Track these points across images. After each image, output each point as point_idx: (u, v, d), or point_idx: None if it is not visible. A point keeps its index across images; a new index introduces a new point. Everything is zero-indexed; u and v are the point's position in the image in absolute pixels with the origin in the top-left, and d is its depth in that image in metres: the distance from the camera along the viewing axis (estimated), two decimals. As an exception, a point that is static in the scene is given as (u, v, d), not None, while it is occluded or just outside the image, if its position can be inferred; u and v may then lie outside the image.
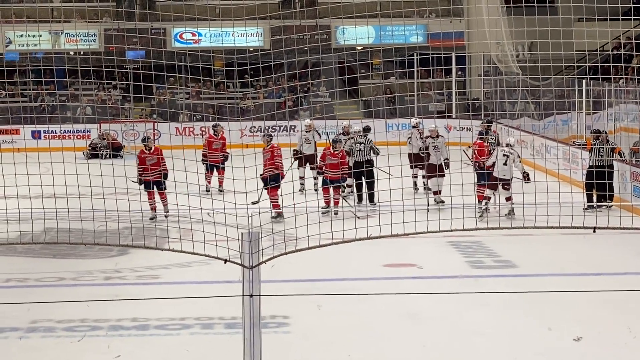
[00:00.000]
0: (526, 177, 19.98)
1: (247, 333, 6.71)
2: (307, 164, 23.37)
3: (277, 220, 18.59)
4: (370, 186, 21.29)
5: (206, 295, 12.46)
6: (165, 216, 19.57)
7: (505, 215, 20.03)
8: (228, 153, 23.23)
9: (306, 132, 23.99)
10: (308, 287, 14.28)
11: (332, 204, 20.11)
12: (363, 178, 21.39)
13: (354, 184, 21.60)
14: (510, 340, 12.15)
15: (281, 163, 20.43)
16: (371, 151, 21.70)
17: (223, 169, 23.02)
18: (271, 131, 23.03)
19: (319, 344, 12.05)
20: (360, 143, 21.85)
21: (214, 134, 24.25)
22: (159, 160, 19.90)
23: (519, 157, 21.05)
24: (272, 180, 19.71)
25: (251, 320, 6.71)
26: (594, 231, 16.31)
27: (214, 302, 11.98)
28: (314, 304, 13.03)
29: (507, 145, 20.90)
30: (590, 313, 12.93)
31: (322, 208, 19.47)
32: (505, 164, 20.32)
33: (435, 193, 21.04)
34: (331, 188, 20.22)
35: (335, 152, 20.64)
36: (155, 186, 19.92)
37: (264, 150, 20.45)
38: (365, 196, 21.17)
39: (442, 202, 20.25)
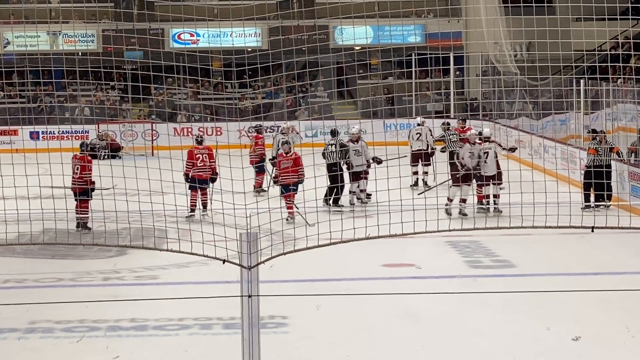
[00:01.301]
0: (513, 150, 20.42)
1: (245, 333, 6.72)
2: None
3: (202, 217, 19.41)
4: (339, 190, 20.66)
5: (205, 296, 12.48)
6: (83, 227, 18.80)
7: (492, 212, 20.18)
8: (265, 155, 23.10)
9: (283, 134, 23.12)
10: (307, 287, 14.29)
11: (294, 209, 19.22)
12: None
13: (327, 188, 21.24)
14: (510, 340, 12.17)
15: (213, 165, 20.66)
16: (341, 154, 21.22)
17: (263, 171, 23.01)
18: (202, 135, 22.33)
19: (318, 344, 12.06)
20: (332, 144, 21.36)
21: (259, 135, 23.82)
22: (84, 168, 19.11)
23: (500, 145, 21.19)
24: (209, 181, 20.35)
25: (250, 320, 6.71)
26: (592, 231, 16.36)
27: (213, 302, 12.00)
28: (312, 304, 13.03)
29: (485, 139, 20.89)
30: (589, 313, 12.95)
31: (287, 217, 18.55)
32: (486, 160, 20.43)
33: (449, 201, 20.00)
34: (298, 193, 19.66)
35: (289, 155, 20.11)
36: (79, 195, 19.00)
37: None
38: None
39: (466, 215, 19.73)
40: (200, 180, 20.29)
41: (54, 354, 11.88)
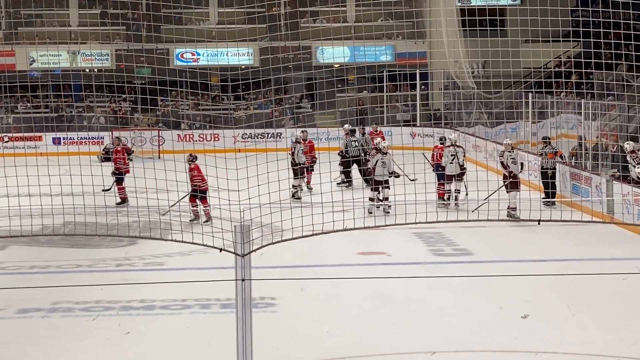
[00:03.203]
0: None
1: (240, 312, 6.70)
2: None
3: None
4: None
5: (204, 280, 12.45)
6: None
7: (453, 206, 20.15)
8: (316, 157, 22.56)
9: (299, 143, 22.63)
10: (292, 272, 14.25)
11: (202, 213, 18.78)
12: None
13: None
14: (468, 318, 12.19)
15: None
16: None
17: (312, 170, 22.44)
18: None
19: (302, 321, 12.06)
20: (355, 140, 23.41)
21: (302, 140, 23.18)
22: None
23: (465, 152, 21.23)
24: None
25: (243, 301, 6.70)
26: (539, 223, 16.14)
27: (211, 285, 11.97)
28: (297, 287, 13.03)
29: (453, 144, 20.95)
30: (536, 294, 12.98)
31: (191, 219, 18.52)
32: (452, 162, 20.45)
33: (513, 209, 18.28)
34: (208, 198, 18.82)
35: (192, 167, 19.06)
36: None
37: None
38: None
39: (518, 218, 17.63)
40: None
41: (73, 330, 11.85)
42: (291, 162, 21.75)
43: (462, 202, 20.23)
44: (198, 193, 18.67)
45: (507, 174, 19.38)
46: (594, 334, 11.36)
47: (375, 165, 19.92)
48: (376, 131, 26.09)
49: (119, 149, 22.48)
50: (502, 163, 19.79)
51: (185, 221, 17.87)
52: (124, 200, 20.92)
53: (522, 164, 19.53)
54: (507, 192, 18.96)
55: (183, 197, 17.22)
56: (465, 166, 20.84)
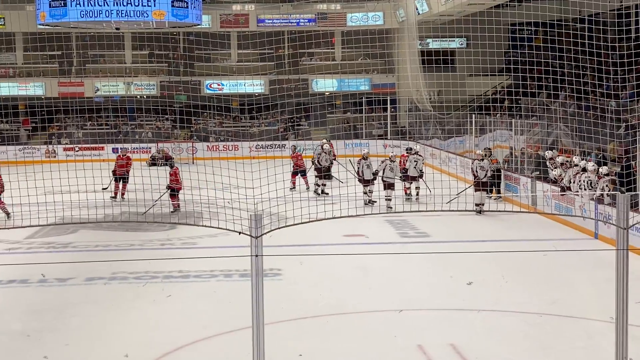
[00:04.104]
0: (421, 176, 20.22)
1: (254, 280, 6.66)
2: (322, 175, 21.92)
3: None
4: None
5: (227, 255, 12.42)
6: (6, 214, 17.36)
7: (415, 200, 20.10)
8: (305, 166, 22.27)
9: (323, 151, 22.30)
10: (294, 250, 14.22)
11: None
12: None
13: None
14: (427, 284, 12.17)
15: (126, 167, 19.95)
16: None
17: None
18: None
19: (301, 287, 12.04)
20: (326, 154, 22.27)
21: (297, 151, 22.71)
22: None
23: (423, 159, 21.17)
24: (122, 178, 19.34)
25: (257, 271, 6.67)
26: (481, 212, 16.22)
27: (232, 260, 11.95)
28: (297, 261, 13.02)
29: (415, 152, 20.97)
30: (478, 266, 12.97)
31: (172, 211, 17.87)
32: (415, 167, 20.37)
33: (478, 205, 17.99)
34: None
35: (171, 171, 17.94)
36: None
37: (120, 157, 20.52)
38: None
39: (482, 211, 17.90)
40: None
41: (127, 293, 11.82)
42: (314, 165, 21.88)
43: (421, 197, 20.21)
44: (175, 191, 17.79)
45: (474, 177, 19.02)
46: (522, 296, 11.36)
47: (385, 169, 19.29)
48: (329, 144, 25.60)
49: (128, 155, 20.96)
50: (471, 169, 19.52)
51: (214, 211, 17.81)
52: (116, 195, 18.66)
53: (487, 171, 19.04)
54: (475, 191, 18.56)
55: (161, 196, 16.96)
56: (423, 170, 20.76)
